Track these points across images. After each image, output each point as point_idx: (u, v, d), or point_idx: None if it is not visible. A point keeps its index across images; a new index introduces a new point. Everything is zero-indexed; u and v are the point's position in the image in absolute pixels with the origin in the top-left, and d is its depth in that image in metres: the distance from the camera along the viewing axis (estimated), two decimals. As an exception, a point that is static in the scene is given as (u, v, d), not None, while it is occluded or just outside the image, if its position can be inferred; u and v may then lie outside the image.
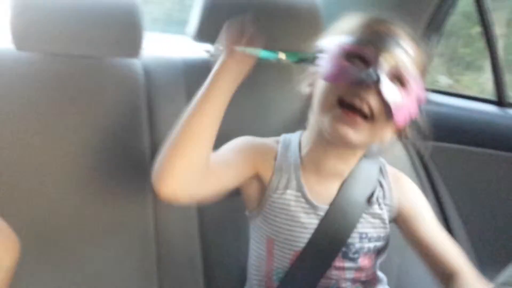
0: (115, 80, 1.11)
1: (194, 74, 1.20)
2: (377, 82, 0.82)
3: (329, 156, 0.93)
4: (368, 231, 0.95)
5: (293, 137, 0.98)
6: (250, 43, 0.85)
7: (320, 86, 0.89)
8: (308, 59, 1.03)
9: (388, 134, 0.90)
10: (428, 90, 0.91)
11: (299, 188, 0.92)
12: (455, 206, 1.47)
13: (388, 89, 0.83)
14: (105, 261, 1.02)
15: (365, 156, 0.96)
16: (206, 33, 1.20)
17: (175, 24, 1.90)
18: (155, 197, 1.07)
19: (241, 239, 1.03)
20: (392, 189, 0.99)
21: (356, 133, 0.85)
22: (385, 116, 0.85)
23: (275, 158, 0.94)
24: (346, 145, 0.89)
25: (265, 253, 0.94)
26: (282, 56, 1.34)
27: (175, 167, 0.81)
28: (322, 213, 0.92)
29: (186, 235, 1.10)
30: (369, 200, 0.95)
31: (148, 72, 1.16)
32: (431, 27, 1.49)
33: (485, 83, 2.08)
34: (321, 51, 0.91)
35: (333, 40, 0.90)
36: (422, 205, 1.03)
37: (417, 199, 1.03)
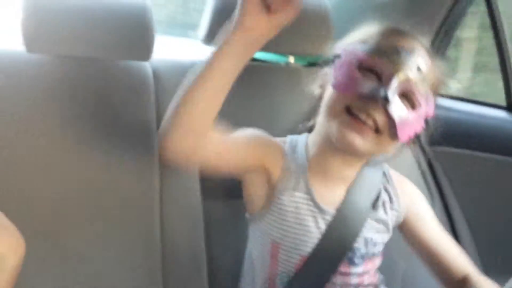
0: (124, 82, 1.11)
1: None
2: (386, 100, 0.81)
3: (336, 161, 0.93)
4: (373, 236, 0.95)
5: (300, 139, 0.98)
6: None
7: (330, 91, 0.89)
8: (318, 63, 1.03)
9: (393, 146, 0.90)
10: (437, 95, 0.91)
11: (308, 191, 0.91)
12: (462, 211, 1.46)
13: (397, 109, 0.83)
14: (108, 261, 1.02)
15: (369, 161, 0.96)
16: (216, 36, 1.20)
17: (178, 27, 1.92)
18: (162, 198, 1.08)
19: (246, 240, 1.02)
20: (398, 194, 0.99)
21: (363, 140, 0.85)
22: (390, 132, 0.85)
23: (283, 157, 0.94)
24: (352, 152, 0.89)
25: (269, 257, 0.93)
26: (291, 59, 1.36)
27: (179, 125, 0.79)
28: (329, 218, 0.91)
29: (191, 235, 1.10)
30: (374, 205, 0.95)
31: (157, 75, 1.16)
32: (442, 31, 1.49)
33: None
34: (335, 56, 0.91)
35: (348, 46, 0.90)
36: (426, 209, 1.03)
37: (422, 203, 1.04)
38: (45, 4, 1.02)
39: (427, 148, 0.99)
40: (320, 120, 0.92)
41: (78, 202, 1.02)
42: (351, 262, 0.93)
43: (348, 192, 0.94)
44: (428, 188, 1.43)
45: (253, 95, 1.23)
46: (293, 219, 0.91)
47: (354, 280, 0.94)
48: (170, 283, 1.06)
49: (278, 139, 0.98)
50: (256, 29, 0.71)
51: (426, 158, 1.41)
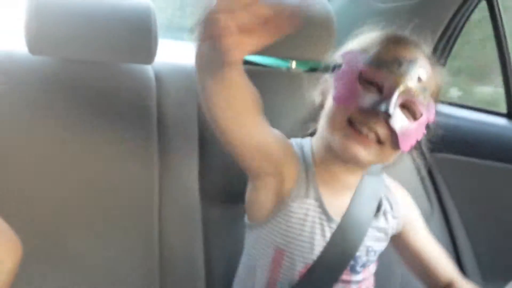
0: (127, 85, 1.11)
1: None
2: (387, 114, 0.81)
3: (340, 168, 0.92)
4: (373, 244, 0.95)
5: (305, 144, 0.96)
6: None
7: (330, 102, 0.88)
8: (319, 69, 1.03)
9: (395, 156, 0.90)
10: (438, 102, 0.91)
11: (318, 198, 0.90)
12: (460, 217, 1.47)
13: (398, 121, 0.83)
14: (107, 263, 1.02)
15: (370, 168, 0.96)
16: None
17: (176, 31, 1.94)
18: (161, 199, 1.09)
19: (244, 244, 1.02)
20: (398, 202, 0.99)
21: (366, 152, 0.84)
22: (393, 143, 0.85)
23: (298, 164, 0.91)
24: (356, 163, 0.89)
25: (270, 264, 0.92)
26: (293, 64, 1.36)
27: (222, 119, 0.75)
28: (334, 226, 0.91)
29: (189, 237, 1.10)
30: (375, 214, 0.95)
31: (159, 78, 1.17)
32: (446, 37, 1.49)
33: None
34: (335, 65, 0.91)
35: (348, 55, 0.89)
36: (418, 218, 1.05)
37: (414, 212, 1.05)
38: (48, 7, 1.02)
39: (426, 154, 1.00)
40: (322, 129, 0.91)
41: (78, 203, 1.03)
42: (353, 270, 0.93)
43: (352, 200, 0.93)
44: (427, 194, 1.44)
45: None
46: (300, 226, 0.89)
47: (354, 287, 0.94)
48: (168, 284, 1.06)
49: (289, 142, 0.96)
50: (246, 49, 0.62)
51: (425, 164, 1.41)
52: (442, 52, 1.49)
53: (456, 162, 1.46)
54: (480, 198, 1.45)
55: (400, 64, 0.83)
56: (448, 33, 1.48)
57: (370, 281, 0.99)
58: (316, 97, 0.97)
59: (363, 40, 0.91)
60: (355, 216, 0.92)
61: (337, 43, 1.20)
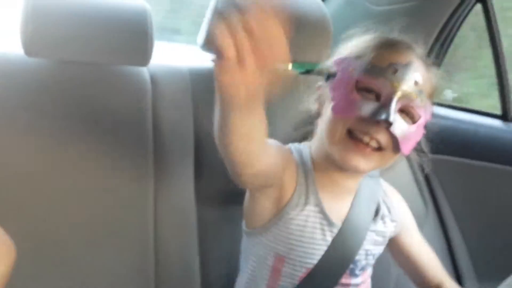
0: (122, 87, 1.11)
1: (200, 83, 1.21)
2: (387, 121, 0.81)
3: (340, 175, 0.92)
4: (372, 247, 0.95)
5: (303, 150, 0.96)
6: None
7: (329, 113, 0.87)
8: (315, 71, 1.03)
9: (395, 159, 0.90)
10: (433, 103, 0.92)
11: (318, 204, 0.90)
12: (456, 219, 1.47)
13: (398, 126, 0.83)
14: (102, 266, 1.02)
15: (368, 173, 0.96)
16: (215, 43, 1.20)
17: (166, 32, 1.96)
18: (156, 203, 1.08)
19: (239, 248, 1.02)
20: (394, 205, 1.00)
21: (366, 161, 0.85)
22: (394, 147, 0.85)
23: (297, 172, 0.91)
24: (356, 172, 0.89)
25: (270, 270, 0.92)
26: (289, 66, 1.36)
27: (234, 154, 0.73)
28: (335, 230, 0.91)
29: (184, 240, 1.10)
30: (373, 217, 0.95)
31: (154, 80, 1.16)
32: (441, 39, 1.50)
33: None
34: (330, 74, 0.90)
35: (343, 64, 0.88)
36: (412, 221, 1.06)
37: (408, 215, 1.06)
38: (45, 8, 1.01)
39: (422, 156, 1.00)
40: (321, 137, 0.91)
41: (72, 205, 1.02)
42: (352, 274, 0.93)
43: (353, 204, 0.93)
44: (422, 195, 1.44)
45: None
46: (301, 232, 0.89)
47: None
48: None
49: (287, 149, 0.96)
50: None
51: (420, 166, 1.42)
52: (437, 55, 1.49)
53: (452, 163, 1.46)
54: (475, 199, 1.46)
55: (395, 70, 0.83)
56: (443, 36, 1.48)
57: (368, 284, 1.00)
58: (311, 105, 0.97)
59: (356, 45, 0.90)
60: (355, 220, 0.92)
61: (333, 46, 1.20)
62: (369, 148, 0.84)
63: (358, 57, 0.87)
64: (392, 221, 0.98)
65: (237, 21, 0.52)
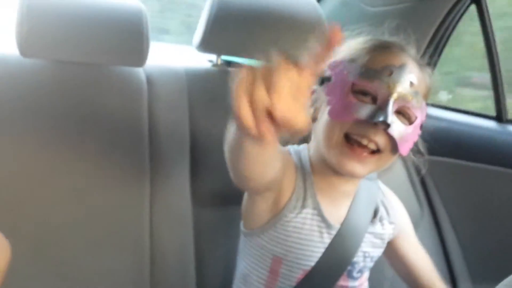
0: (118, 88, 1.11)
1: (196, 84, 1.21)
2: (385, 124, 0.81)
3: (339, 179, 0.92)
4: (370, 250, 0.95)
5: (302, 153, 0.95)
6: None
7: (325, 118, 0.87)
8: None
9: (392, 160, 0.90)
10: (427, 104, 0.92)
11: (316, 206, 0.90)
12: (450, 220, 1.48)
13: (396, 128, 0.83)
14: (97, 267, 1.02)
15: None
16: (210, 44, 1.21)
17: (155, 32, 1.98)
18: (152, 203, 1.08)
19: (236, 250, 1.02)
20: (393, 207, 1.00)
21: (363, 166, 0.85)
22: (392, 149, 0.85)
23: (296, 175, 0.91)
24: (353, 177, 0.89)
25: (268, 272, 0.92)
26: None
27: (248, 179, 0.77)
28: (333, 232, 0.91)
29: (180, 243, 1.10)
30: (372, 220, 0.96)
31: (150, 81, 1.16)
32: (436, 40, 1.50)
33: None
34: (324, 78, 0.90)
35: (338, 68, 0.88)
36: (409, 224, 1.05)
37: (406, 218, 1.05)
38: (40, 9, 1.01)
39: (417, 157, 1.00)
40: (318, 142, 0.91)
41: (67, 205, 1.02)
42: (350, 276, 0.93)
43: (351, 207, 0.93)
44: (417, 196, 1.45)
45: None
46: (298, 234, 0.89)
47: None
48: None
49: (286, 151, 0.95)
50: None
51: (415, 167, 1.42)
52: (431, 56, 1.50)
53: (446, 164, 1.47)
54: (470, 200, 1.46)
55: (390, 72, 0.83)
56: (438, 37, 1.49)
57: (365, 287, 1.00)
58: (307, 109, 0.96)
59: (349, 49, 0.90)
60: (354, 222, 0.92)
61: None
62: (365, 153, 0.84)
63: (352, 60, 0.87)
64: (391, 223, 0.98)
65: (262, 93, 0.48)
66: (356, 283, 0.95)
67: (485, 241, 1.43)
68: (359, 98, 0.84)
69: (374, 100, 0.83)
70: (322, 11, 1.27)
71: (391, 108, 0.81)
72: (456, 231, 1.47)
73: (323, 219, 0.90)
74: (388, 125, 0.81)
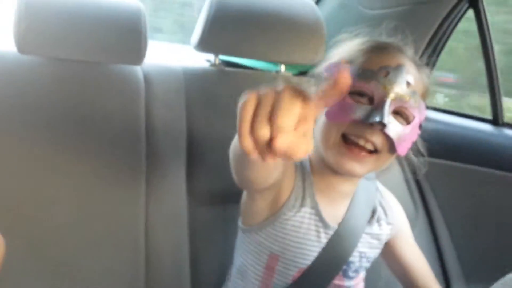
0: (115, 86, 1.11)
1: (194, 83, 1.21)
2: (382, 124, 0.81)
3: (336, 177, 0.92)
4: (367, 250, 0.96)
5: None
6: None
7: (323, 119, 0.88)
8: (308, 73, 1.03)
9: (391, 160, 0.90)
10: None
11: (314, 206, 0.90)
12: (445, 222, 1.48)
13: (393, 128, 0.83)
14: (92, 267, 1.02)
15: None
16: (209, 43, 1.21)
17: (148, 30, 2.02)
18: (148, 202, 1.08)
19: (231, 248, 1.03)
20: (391, 207, 1.00)
21: (361, 166, 0.85)
22: (389, 149, 0.85)
23: (295, 174, 0.92)
24: (352, 176, 0.90)
25: (264, 268, 0.92)
26: (282, 68, 1.36)
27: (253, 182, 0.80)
28: (331, 232, 0.91)
29: (175, 242, 1.10)
30: (369, 220, 0.96)
31: (148, 80, 1.16)
32: (434, 42, 1.50)
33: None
34: (323, 79, 0.90)
35: (335, 70, 0.88)
36: (407, 225, 1.05)
37: (403, 219, 1.06)
38: (38, 6, 1.01)
39: (413, 159, 1.00)
40: (316, 143, 0.90)
41: (63, 204, 1.02)
42: (346, 275, 0.94)
43: (349, 208, 0.94)
44: (412, 198, 1.45)
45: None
46: (296, 233, 0.90)
47: None
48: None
49: None
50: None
51: (411, 169, 1.42)
52: (429, 59, 1.50)
53: (442, 166, 1.47)
54: (465, 202, 1.46)
55: (387, 72, 0.83)
56: (435, 40, 1.49)
57: (361, 286, 1.00)
58: None
59: (346, 50, 0.91)
60: (351, 222, 0.93)
61: (326, 48, 1.21)
62: (363, 152, 0.84)
63: (348, 61, 0.88)
64: (388, 224, 0.99)
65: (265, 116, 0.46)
66: (351, 283, 0.95)
67: (479, 242, 1.43)
68: (356, 99, 0.84)
69: (371, 100, 0.84)
70: (320, 13, 1.27)
71: (387, 108, 0.81)
72: (450, 232, 1.47)
73: (321, 219, 0.90)
74: (384, 125, 0.81)
